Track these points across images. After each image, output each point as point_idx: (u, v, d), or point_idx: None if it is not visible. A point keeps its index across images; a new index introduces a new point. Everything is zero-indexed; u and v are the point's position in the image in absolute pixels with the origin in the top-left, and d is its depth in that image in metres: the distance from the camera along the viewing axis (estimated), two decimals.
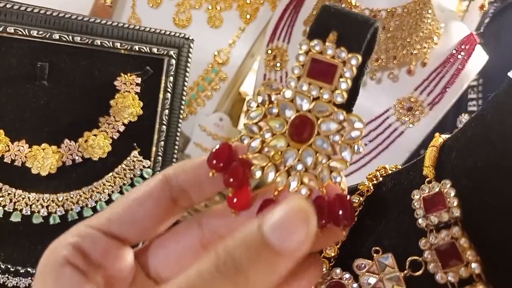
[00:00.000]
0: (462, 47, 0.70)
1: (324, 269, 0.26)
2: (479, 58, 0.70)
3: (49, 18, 0.49)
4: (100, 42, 0.51)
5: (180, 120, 0.58)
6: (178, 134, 0.58)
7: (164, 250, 0.27)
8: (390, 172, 0.30)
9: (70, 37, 0.50)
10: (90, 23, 0.51)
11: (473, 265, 0.22)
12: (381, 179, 0.29)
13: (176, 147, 0.58)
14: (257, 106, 0.25)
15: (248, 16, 0.80)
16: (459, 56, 0.69)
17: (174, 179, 0.26)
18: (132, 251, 0.26)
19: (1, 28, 0.47)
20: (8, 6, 0.48)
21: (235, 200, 0.25)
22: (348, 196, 0.23)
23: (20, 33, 0.48)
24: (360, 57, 0.23)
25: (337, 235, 0.24)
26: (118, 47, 0.52)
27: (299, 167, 0.25)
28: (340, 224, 0.23)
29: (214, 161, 0.25)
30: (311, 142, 0.24)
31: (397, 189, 0.28)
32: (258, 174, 0.25)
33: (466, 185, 0.24)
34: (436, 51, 0.70)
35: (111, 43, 0.52)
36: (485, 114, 0.25)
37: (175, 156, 0.58)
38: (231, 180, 0.25)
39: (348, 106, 0.25)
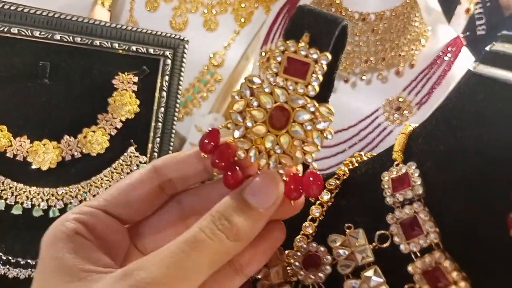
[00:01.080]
0: (449, 49, 0.72)
1: (303, 244, 0.29)
2: (465, 59, 0.72)
3: (51, 19, 0.51)
4: (99, 42, 0.53)
5: (175, 118, 0.59)
6: (173, 131, 0.60)
7: (150, 226, 0.30)
8: (365, 158, 0.32)
9: (71, 38, 0.52)
10: (89, 24, 0.53)
11: (432, 235, 0.24)
12: (356, 164, 0.32)
13: (171, 144, 0.60)
14: (241, 98, 0.28)
15: (242, 20, 0.82)
16: (446, 58, 0.71)
17: (163, 170, 0.29)
18: (126, 228, 0.29)
19: (5, 29, 0.49)
20: (12, 8, 0.50)
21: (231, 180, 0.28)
22: (318, 172, 0.27)
23: (23, 33, 0.50)
24: (329, 56, 0.26)
25: (298, 206, 0.28)
26: (116, 47, 0.54)
27: (278, 150, 0.27)
28: (310, 193, 0.27)
29: (206, 141, 0.28)
30: (287, 129, 0.27)
31: (370, 173, 0.30)
32: (242, 155, 0.28)
33: (429, 167, 0.26)
34: (424, 53, 0.72)
35: (109, 43, 0.54)
36: (448, 104, 0.27)
37: (170, 152, 0.60)
38: (217, 161, 0.27)
39: (323, 97, 0.28)
